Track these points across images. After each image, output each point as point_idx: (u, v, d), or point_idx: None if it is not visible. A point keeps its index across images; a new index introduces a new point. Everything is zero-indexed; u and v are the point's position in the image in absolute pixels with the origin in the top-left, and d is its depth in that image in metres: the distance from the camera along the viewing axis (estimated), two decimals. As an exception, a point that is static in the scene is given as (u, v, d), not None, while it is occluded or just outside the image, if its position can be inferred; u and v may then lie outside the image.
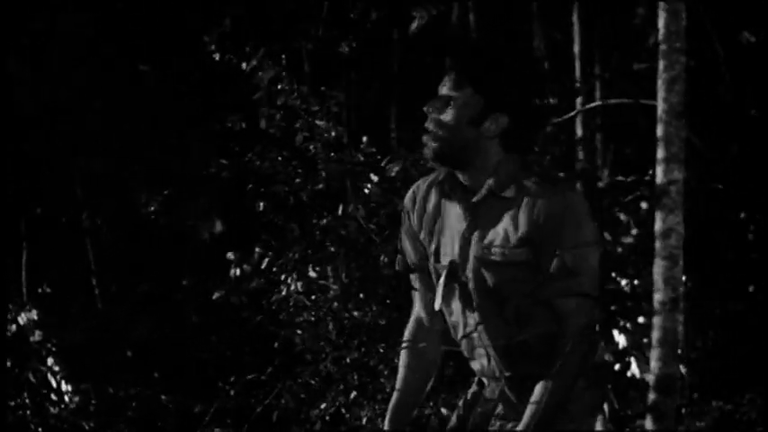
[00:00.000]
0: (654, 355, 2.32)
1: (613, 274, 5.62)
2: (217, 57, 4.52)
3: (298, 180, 4.45)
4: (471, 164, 2.72)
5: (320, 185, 4.42)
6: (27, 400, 5.86)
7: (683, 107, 2.39)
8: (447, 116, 2.70)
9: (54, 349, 6.05)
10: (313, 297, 4.40)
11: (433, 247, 2.80)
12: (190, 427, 7.00)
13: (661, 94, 2.44)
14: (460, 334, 2.80)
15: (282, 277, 4.45)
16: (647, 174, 5.77)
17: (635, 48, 11.68)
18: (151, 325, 9.00)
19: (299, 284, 4.40)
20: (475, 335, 2.75)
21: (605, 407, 2.79)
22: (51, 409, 5.86)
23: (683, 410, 5.68)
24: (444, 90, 2.72)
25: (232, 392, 4.81)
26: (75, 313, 8.68)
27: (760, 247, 6.33)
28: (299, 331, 4.44)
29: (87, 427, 6.25)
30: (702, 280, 6.16)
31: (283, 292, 4.45)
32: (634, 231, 6.01)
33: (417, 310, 2.92)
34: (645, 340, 5.66)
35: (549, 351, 2.65)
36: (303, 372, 4.40)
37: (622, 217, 6.04)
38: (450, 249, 2.76)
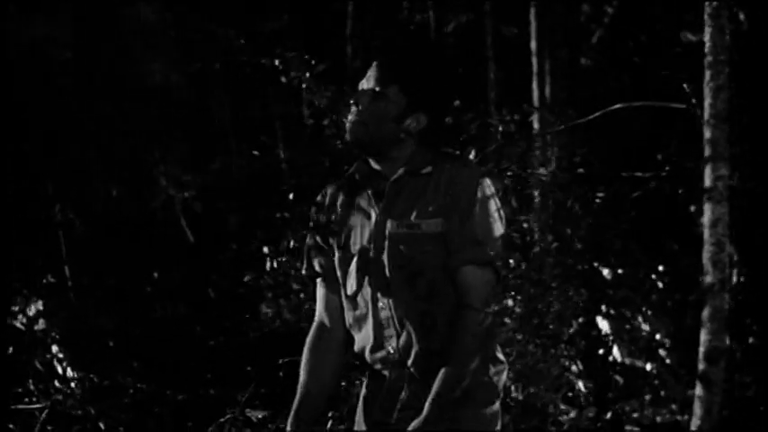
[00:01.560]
0: (704, 330, 2.63)
1: (595, 264, 5.92)
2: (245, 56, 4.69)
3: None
4: (387, 154, 2.81)
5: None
6: (32, 387, 5.99)
7: (727, 112, 2.67)
8: (372, 109, 2.78)
9: (58, 337, 6.20)
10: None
11: (343, 239, 2.85)
12: (185, 414, 7.19)
13: (708, 100, 2.71)
14: (369, 324, 2.80)
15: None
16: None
17: (581, 44, 12.06)
18: (127, 317, 9.15)
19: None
20: (384, 315, 2.77)
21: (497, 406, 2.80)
22: (57, 396, 5.99)
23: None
24: (371, 83, 2.81)
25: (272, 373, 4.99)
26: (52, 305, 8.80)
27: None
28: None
29: (82, 413, 6.40)
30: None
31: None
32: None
33: (320, 313, 2.93)
34: (627, 326, 5.99)
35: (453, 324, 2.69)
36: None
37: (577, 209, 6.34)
38: (359, 238, 2.81)
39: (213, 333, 9.11)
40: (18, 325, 5.93)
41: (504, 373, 2.84)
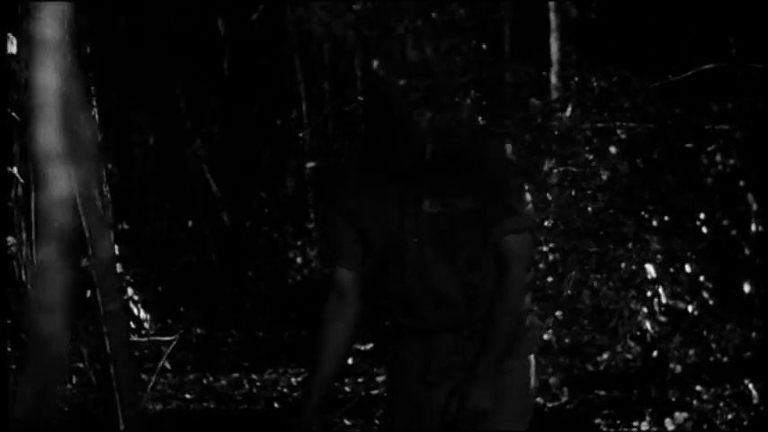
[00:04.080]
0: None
1: (644, 214, 6.27)
2: None
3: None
4: (409, 124, 2.72)
5: None
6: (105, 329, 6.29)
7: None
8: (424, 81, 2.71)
9: (132, 281, 6.51)
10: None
11: (372, 217, 2.83)
12: (245, 354, 7.53)
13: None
14: (409, 298, 2.84)
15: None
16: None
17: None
18: (166, 263, 9.47)
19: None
20: (423, 290, 2.80)
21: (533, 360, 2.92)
22: (133, 336, 6.31)
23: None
24: (413, 54, 2.74)
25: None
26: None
27: None
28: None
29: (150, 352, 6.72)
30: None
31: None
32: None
33: (338, 287, 2.92)
34: (671, 270, 6.34)
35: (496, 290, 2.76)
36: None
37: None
38: (390, 216, 2.80)
39: (256, 279, 9.47)
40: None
41: (538, 328, 2.98)
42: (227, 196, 11.05)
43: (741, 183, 7.67)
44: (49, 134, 0.96)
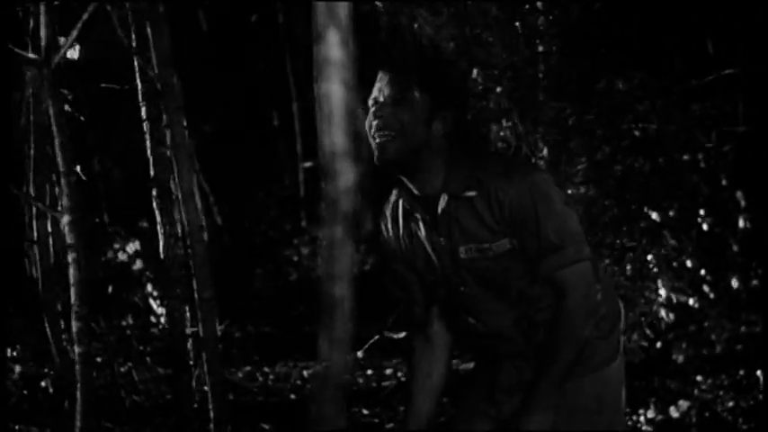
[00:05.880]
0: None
1: (645, 209, 6.48)
2: None
3: None
4: (420, 167, 2.62)
5: None
6: (131, 321, 6.49)
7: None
8: (399, 119, 2.57)
9: (151, 276, 6.68)
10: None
11: (414, 256, 2.78)
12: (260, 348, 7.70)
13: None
14: (467, 336, 2.82)
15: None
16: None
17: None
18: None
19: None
20: (479, 331, 2.78)
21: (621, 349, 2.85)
22: (152, 330, 6.48)
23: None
24: (387, 92, 2.59)
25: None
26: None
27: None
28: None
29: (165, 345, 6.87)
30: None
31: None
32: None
33: (425, 328, 2.90)
34: (675, 264, 6.55)
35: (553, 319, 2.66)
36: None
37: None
38: (429, 264, 2.75)
39: (264, 277, 9.64)
40: (122, 257, 6.44)
41: (621, 324, 2.85)
42: (222, 195, 11.21)
43: (724, 182, 7.92)
44: (337, 136, 1.18)
